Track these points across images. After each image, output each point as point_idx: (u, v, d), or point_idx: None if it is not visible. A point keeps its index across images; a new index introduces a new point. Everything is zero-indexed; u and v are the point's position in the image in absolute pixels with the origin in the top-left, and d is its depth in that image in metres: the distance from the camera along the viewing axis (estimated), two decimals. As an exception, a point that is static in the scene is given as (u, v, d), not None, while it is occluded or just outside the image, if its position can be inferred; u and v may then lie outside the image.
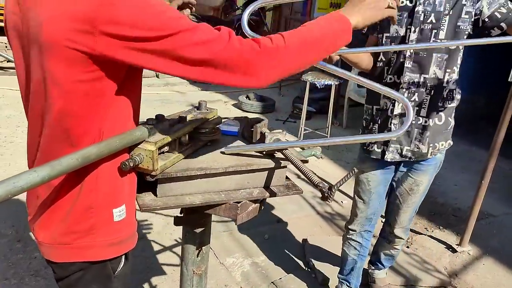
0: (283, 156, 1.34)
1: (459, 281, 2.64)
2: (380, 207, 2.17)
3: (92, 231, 1.04)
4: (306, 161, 1.36)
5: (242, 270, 2.56)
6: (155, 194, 1.22)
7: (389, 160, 1.96)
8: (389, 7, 1.09)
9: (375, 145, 1.99)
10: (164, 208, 1.20)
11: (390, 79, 1.89)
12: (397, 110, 1.89)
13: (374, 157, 2.00)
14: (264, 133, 1.34)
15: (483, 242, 3.06)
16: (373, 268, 2.47)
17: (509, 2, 1.77)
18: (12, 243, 2.59)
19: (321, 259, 2.65)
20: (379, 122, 1.96)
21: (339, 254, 2.30)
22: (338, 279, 2.38)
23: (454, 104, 1.92)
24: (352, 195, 2.20)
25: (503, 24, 1.74)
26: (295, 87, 6.52)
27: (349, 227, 2.22)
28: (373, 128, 1.99)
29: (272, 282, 2.47)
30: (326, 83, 4.53)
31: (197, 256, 1.50)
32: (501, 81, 2.29)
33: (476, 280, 2.66)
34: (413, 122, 1.90)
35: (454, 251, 2.94)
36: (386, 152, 1.95)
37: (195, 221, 1.42)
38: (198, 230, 1.45)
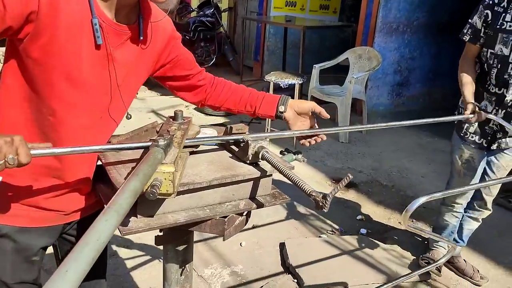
0: (268, 164, 1.27)
1: (438, 272, 2.67)
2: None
3: None
4: (292, 168, 1.31)
5: (221, 281, 2.47)
6: (135, 215, 1.12)
7: (494, 148, 2.32)
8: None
9: (476, 137, 2.34)
10: (146, 230, 1.10)
11: (492, 89, 2.21)
12: (500, 114, 2.20)
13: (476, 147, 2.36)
14: (247, 140, 1.26)
15: (455, 232, 3.11)
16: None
17: None
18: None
19: (301, 262, 2.60)
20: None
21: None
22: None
23: None
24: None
25: None
26: (259, 87, 6.43)
27: (457, 201, 2.54)
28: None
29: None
30: (289, 83, 4.51)
31: (181, 275, 1.42)
32: (453, 75, 2.47)
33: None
34: None
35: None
36: (492, 145, 2.31)
37: (177, 239, 1.33)
38: (181, 248, 1.37)
